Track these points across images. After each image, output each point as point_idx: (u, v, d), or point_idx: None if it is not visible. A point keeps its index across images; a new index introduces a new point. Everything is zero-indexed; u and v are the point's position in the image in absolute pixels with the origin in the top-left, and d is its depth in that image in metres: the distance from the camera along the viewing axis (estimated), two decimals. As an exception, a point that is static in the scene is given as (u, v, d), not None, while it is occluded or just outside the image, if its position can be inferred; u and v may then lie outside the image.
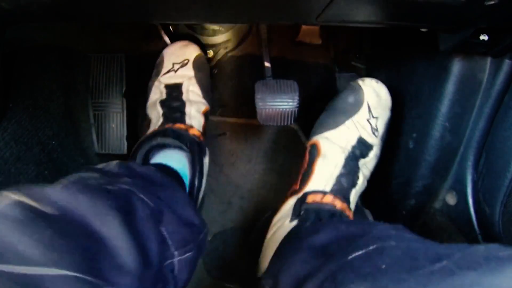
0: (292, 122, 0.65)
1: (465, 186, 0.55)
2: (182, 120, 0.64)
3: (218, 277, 0.79)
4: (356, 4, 0.37)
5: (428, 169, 0.59)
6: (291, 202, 0.59)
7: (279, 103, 0.63)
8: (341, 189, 0.57)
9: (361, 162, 0.60)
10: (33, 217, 0.29)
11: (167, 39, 0.78)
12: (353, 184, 0.58)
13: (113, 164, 0.47)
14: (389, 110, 0.63)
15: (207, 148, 0.66)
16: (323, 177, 0.58)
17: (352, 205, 0.59)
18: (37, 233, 0.28)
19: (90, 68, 0.74)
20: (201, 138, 0.64)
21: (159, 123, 0.64)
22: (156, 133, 0.60)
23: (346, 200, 0.57)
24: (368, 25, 0.48)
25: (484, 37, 0.45)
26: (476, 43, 0.46)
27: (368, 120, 0.60)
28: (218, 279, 0.78)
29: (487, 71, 0.51)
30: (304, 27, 0.83)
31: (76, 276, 0.28)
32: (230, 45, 0.84)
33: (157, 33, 0.78)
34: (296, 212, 0.56)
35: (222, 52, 0.84)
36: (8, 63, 0.57)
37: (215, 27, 0.80)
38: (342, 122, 0.60)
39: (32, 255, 0.27)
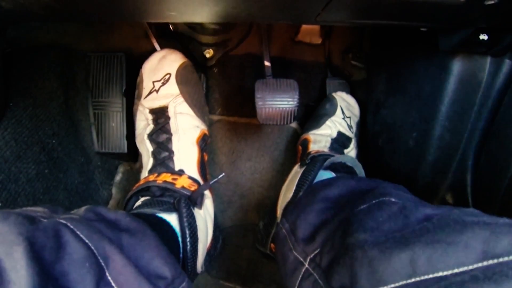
0: (292, 121, 0.65)
1: (465, 185, 0.56)
2: (171, 165, 0.58)
3: (218, 276, 0.79)
4: (355, 4, 0.37)
5: (428, 168, 0.59)
6: (295, 168, 0.65)
7: (279, 102, 0.63)
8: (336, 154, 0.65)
9: (345, 152, 0.72)
10: None
11: (156, 45, 0.75)
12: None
13: (83, 208, 0.41)
14: (357, 114, 0.78)
15: (205, 193, 0.58)
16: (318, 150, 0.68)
17: None
18: None
19: (90, 67, 0.74)
20: (192, 188, 0.56)
21: (149, 164, 0.59)
22: (140, 190, 0.55)
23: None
24: (367, 24, 0.48)
25: (484, 36, 0.45)
26: (476, 42, 0.46)
27: (343, 119, 0.74)
28: (218, 279, 0.79)
29: (487, 71, 0.51)
30: (304, 26, 0.82)
31: None
32: (230, 44, 0.84)
33: (157, 32, 0.78)
34: (304, 160, 0.62)
35: (222, 51, 0.84)
36: (8, 62, 0.57)
37: (215, 26, 0.80)
38: (324, 122, 0.73)
39: None
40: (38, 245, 0.29)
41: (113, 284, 0.34)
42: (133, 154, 0.77)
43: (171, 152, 0.58)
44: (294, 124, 0.85)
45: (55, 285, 0.29)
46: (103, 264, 0.34)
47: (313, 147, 0.70)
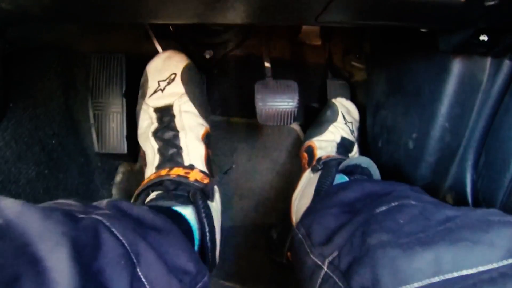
0: (292, 122, 0.65)
1: (464, 186, 0.55)
2: (180, 161, 0.58)
3: (218, 276, 0.79)
4: (355, 5, 0.37)
5: (428, 169, 0.59)
6: (306, 174, 0.65)
7: (279, 103, 0.63)
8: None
9: (350, 156, 0.72)
10: None
11: (158, 46, 0.75)
12: None
13: (104, 202, 0.42)
14: (358, 119, 0.79)
15: (215, 187, 0.59)
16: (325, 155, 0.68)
17: None
18: None
19: (90, 68, 0.74)
20: (204, 181, 0.57)
21: (156, 161, 0.59)
22: (152, 184, 0.55)
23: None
24: (368, 25, 0.48)
25: (484, 37, 0.45)
26: (476, 43, 0.46)
27: (345, 124, 0.75)
28: (218, 279, 0.78)
29: (487, 72, 0.50)
30: (304, 27, 0.83)
31: None
32: (230, 46, 0.84)
33: (157, 32, 0.78)
34: (317, 166, 0.62)
35: (222, 52, 0.84)
36: (8, 63, 0.57)
37: (216, 27, 0.80)
38: (326, 128, 0.74)
39: None
40: (80, 244, 0.30)
41: (143, 280, 0.35)
42: (133, 155, 0.77)
43: (179, 148, 0.59)
44: (294, 125, 0.85)
45: (93, 283, 0.30)
46: (135, 261, 0.35)
47: (320, 153, 0.70)
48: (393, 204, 0.39)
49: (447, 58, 0.52)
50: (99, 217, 0.34)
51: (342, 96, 0.81)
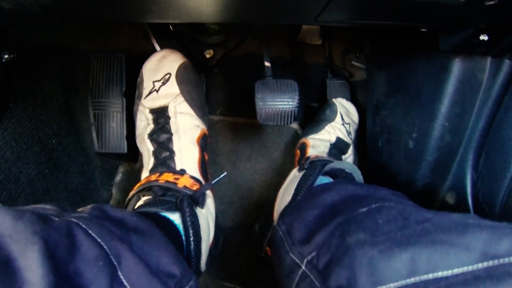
0: (292, 121, 0.65)
1: (464, 186, 0.55)
2: (172, 165, 0.58)
3: (218, 276, 0.79)
4: (355, 4, 0.37)
5: (428, 169, 0.59)
6: (293, 172, 0.64)
7: (279, 102, 0.63)
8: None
9: (343, 158, 0.72)
10: None
11: (156, 46, 0.75)
12: None
13: (88, 207, 0.41)
14: (357, 121, 0.79)
15: (206, 193, 0.58)
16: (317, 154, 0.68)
17: None
18: None
19: (90, 68, 0.74)
20: (194, 187, 0.56)
21: (150, 164, 0.59)
22: (142, 189, 0.55)
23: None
24: (367, 25, 0.48)
25: (484, 37, 0.45)
26: (476, 43, 0.46)
27: (343, 125, 0.74)
28: (218, 279, 0.78)
29: (487, 71, 0.50)
30: (304, 27, 0.83)
31: None
32: (230, 45, 0.84)
33: (157, 32, 0.78)
34: (303, 165, 0.62)
35: (222, 51, 0.84)
36: (8, 62, 0.57)
37: (216, 26, 0.80)
38: (323, 127, 0.73)
39: None
40: (52, 244, 0.29)
41: (125, 283, 0.34)
42: (133, 155, 0.77)
43: (172, 152, 0.58)
44: (294, 125, 0.85)
45: (70, 284, 0.29)
46: (115, 263, 0.34)
47: (311, 152, 0.69)
48: (373, 206, 0.39)
49: (447, 58, 0.52)
50: (74, 220, 0.33)
51: (342, 96, 0.80)
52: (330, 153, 0.69)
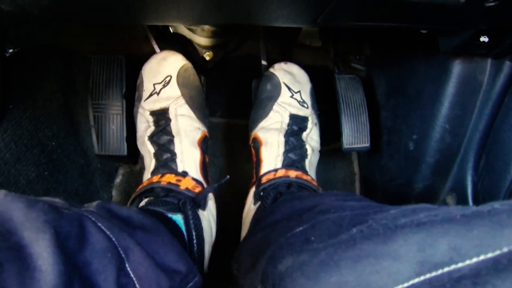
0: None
1: (465, 188, 0.55)
2: (173, 167, 0.57)
3: (218, 277, 0.78)
4: (355, 6, 0.37)
5: (428, 171, 0.59)
6: (251, 192, 0.62)
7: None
8: (293, 162, 0.60)
9: (304, 135, 0.64)
10: None
11: (156, 48, 0.74)
12: (303, 156, 0.62)
13: (94, 204, 0.41)
14: (307, 82, 0.68)
15: (208, 195, 0.58)
16: (271, 159, 0.61)
17: (312, 174, 0.62)
18: None
19: (90, 69, 0.74)
20: (196, 189, 0.56)
21: (152, 166, 0.59)
22: (144, 191, 0.55)
23: (301, 168, 0.60)
24: (368, 27, 0.48)
25: (484, 38, 0.45)
26: (476, 44, 0.46)
27: (291, 97, 0.64)
28: (218, 279, 0.78)
29: (487, 73, 0.50)
30: (304, 29, 0.83)
31: None
32: (229, 47, 0.84)
33: (157, 34, 0.78)
34: (256, 195, 0.59)
35: (221, 53, 0.84)
36: (8, 63, 0.57)
37: (215, 28, 0.80)
38: (270, 108, 0.64)
39: None
40: (63, 234, 0.30)
41: (132, 275, 0.34)
42: (133, 157, 0.77)
43: (173, 154, 0.58)
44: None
45: (78, 274, 0.29)
46: (123, 256, 0.34)
47: (264, 156, 0.62)
48: (310, 223, 0.35)
49: (447, 59, 0.52)
50: (84, 212, 0.34)
51: (353, 92, 0.71)
52: (287, 142, 0.61)
